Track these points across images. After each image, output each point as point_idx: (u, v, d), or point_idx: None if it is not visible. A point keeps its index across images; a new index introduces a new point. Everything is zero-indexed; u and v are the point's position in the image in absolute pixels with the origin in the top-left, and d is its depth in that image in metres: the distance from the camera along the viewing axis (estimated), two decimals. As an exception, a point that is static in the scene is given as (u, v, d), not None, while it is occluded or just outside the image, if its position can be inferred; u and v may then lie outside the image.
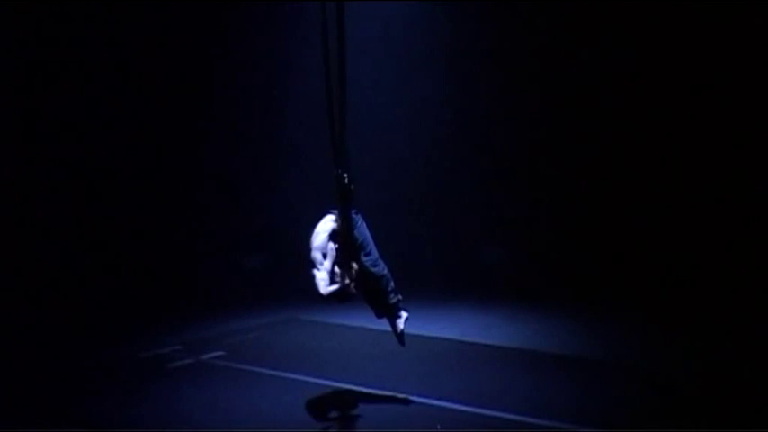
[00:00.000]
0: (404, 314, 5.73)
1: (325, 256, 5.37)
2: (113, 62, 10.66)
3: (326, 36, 5.33)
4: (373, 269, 5.51)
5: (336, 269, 5.38)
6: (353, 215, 5.52)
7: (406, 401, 5.83)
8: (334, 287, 5.33)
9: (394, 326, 5.74)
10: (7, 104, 10.02)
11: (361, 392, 6.09)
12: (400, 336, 5.76)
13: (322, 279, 5.31)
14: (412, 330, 6.06)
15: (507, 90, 11.17)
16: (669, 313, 8.53)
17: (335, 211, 5.52)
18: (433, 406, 5.68)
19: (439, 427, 5.30)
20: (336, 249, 5.40)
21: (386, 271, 5.58)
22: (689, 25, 9.71)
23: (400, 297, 5.68)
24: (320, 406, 5.78)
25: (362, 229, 5.57)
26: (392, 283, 5.61)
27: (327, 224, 5.51)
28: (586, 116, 10.67)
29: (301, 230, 11.45)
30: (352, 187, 5.41)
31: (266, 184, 11.76)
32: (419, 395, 5.91)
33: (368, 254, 5.53)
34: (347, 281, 5.33)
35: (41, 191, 10.22)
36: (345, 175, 5.36)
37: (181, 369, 7.06)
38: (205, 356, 7.42)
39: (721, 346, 7.12)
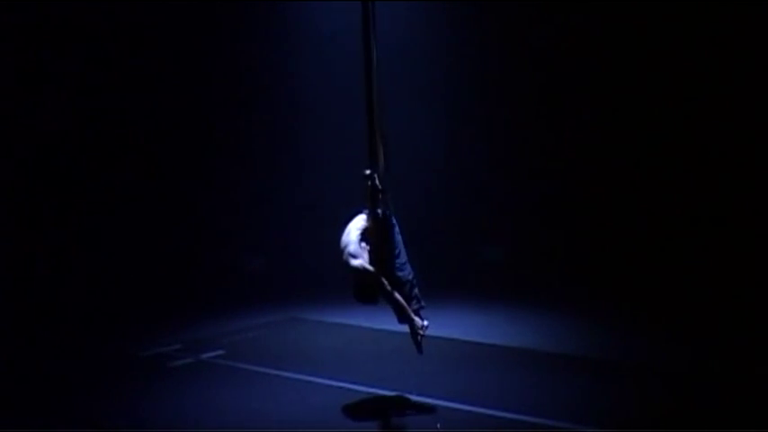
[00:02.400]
0: (425, 323, 5.65)
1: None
2: (117, 61, 10.65)
3: (369, 36, 5.37)
4: (398, 273, 5.47)
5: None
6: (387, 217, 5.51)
7: (406, 401, 5.83)
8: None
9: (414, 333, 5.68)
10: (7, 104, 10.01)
11: (360, 392, 6.09)
12: (418, 344, 5.69)
13: (366, 263, 5.28)
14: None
15: (506, 89, 11.16)
16: (670, 312, 8.52)
17: (367, 211, 5.50)
18: (433, 406, 5.68)
19: (439, 426, 5.31)
20: (368, 251, 5.39)
21: (411, 276, 5.54)
22: (690, 25, 9.71)
23: (423, 305, 5.62)
24: (320, 406, 5.78)
25: (393, 232, 5.54)
26: (416, 290, 5.56)
27: (359, 222, 5.50)
28: (588, 114, 10.67)
29: (302, 230, 11.47)
30: (381, 188, 5.42)
31: (267, 183, 11.74)
32: (419, 395, 5.91)
33: (395, 257, 5.49)
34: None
35: (40, 187, 10.20)
36: (375, 176, 5.37)
37: (181, 369, 7.06)
38: (205, 356, 7.41)
39: (723, 345, 7.12)
